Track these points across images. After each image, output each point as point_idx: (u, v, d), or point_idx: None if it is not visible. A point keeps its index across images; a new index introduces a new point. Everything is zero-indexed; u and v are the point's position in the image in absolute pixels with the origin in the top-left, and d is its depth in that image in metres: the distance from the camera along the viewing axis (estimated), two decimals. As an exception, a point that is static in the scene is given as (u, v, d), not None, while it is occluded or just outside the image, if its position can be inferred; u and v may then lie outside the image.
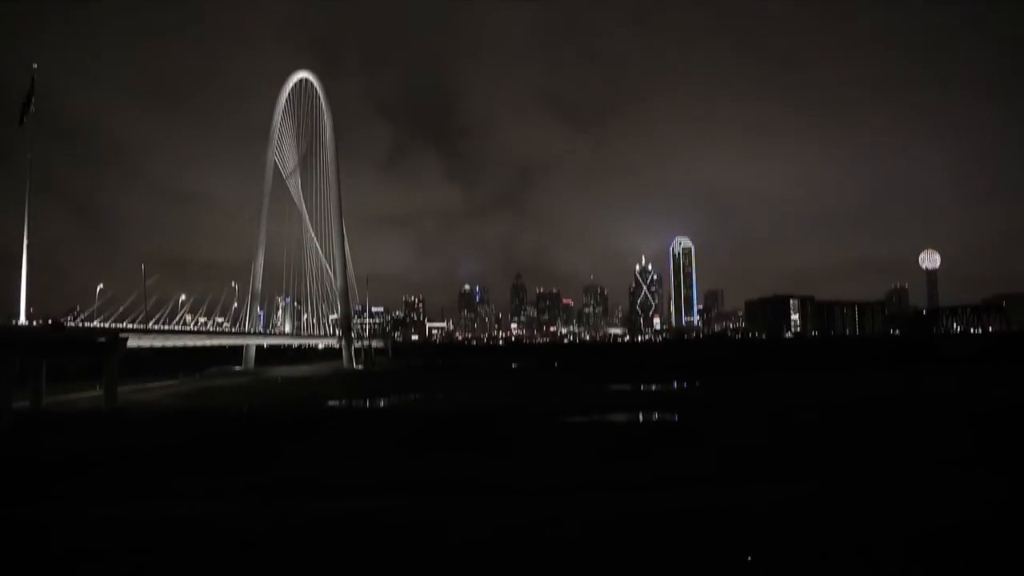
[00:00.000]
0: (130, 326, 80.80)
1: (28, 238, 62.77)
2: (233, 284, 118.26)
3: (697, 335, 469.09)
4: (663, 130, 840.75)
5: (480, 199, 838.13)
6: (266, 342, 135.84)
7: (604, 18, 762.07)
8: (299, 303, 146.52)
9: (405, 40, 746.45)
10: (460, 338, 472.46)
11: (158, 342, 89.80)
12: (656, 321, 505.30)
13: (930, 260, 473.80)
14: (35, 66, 65.37)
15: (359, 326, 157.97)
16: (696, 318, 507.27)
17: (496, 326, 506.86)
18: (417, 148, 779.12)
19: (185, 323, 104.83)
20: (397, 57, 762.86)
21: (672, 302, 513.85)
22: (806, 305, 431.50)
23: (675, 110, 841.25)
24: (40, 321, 67.83)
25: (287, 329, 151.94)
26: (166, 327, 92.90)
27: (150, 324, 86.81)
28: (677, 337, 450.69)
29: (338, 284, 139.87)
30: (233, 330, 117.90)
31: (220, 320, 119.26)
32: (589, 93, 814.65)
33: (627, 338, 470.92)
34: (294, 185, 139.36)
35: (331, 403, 71.84)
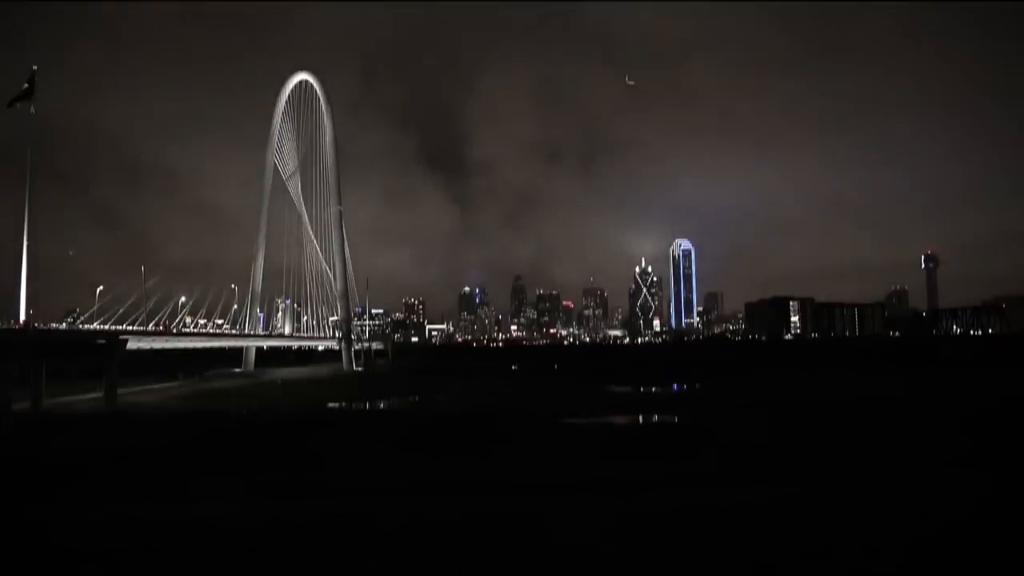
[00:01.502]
0: (130, 328, 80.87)
1: (28, 239, 62.90)
2: (233, 286, 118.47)
3: (697, 337, 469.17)
4: (663, 134, 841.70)
5: (482, 213, 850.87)
6: (266, 344, 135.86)
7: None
8: (299, 305, 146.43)
9: (420, 92, 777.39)
10: (460, 340, 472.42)
11: (158, 344, 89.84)
12: (656, 323, 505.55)
13: (930, 262, 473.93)
14: (35, 67, 65.47)
15: (359, 328, 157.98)
16: (696, 320, 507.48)
17: (496, 328, 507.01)
18: (422, 177, 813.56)
19: (185, 325, 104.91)
20: (410, 105, 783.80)
21: (672, 304, 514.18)
22: (806, 307, 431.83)
23: (675, 114, 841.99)
24: (38, 324, 67.87)
25: (287, 331, 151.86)
26: (166, 328, 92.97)
27: (150, 326, 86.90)
28: (677, 339, 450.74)
29: (338, 286, 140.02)
30: (233, 332, 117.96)
31: (220, 322, 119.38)
32: (588, 110, 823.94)
33: (627, 340, 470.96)
34: (294, 187, 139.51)
35: (331, 405, 71.85)
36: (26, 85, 63.09)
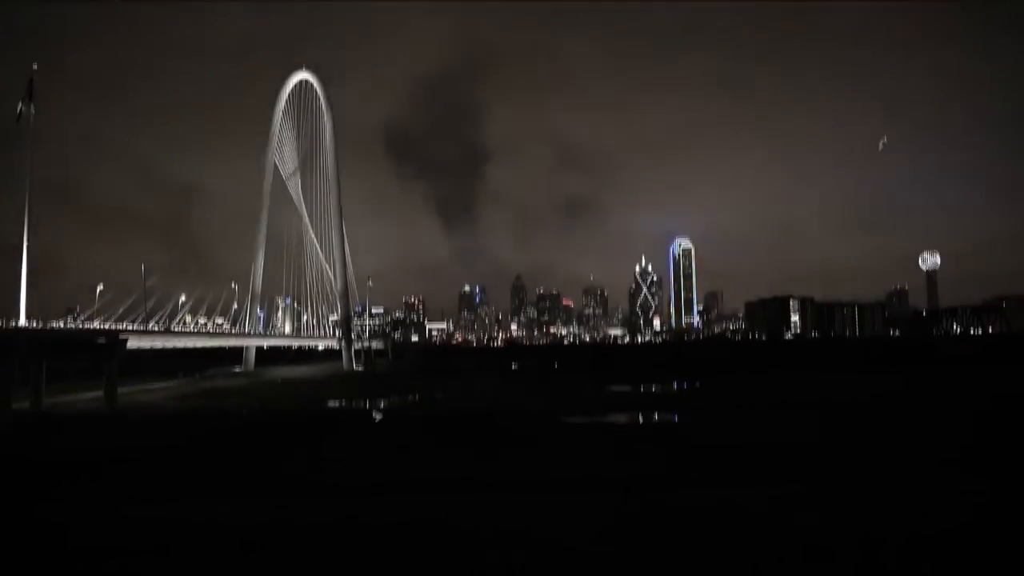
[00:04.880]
0: (130, 327, 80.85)
1: (28, 239, 62.89)
2: (233, 285, 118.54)
3: (697, 336, 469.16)
4: (663, 132, 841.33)
5: (484, 217, 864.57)
6: (266, 343, 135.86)
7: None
8: (299, 304, 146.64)
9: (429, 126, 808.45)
10: (460, 339, 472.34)
11: (158, 343, 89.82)
12: (656, 322, 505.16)
13: (930, 261, 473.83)
14: (35, 67, 65.45)
15: (359, 327, 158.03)
16: (696, 319, 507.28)
17: (496, 327, 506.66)
18: (426, 199, 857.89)
19: (185, 324, 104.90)
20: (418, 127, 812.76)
21: (672, 303, 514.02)
22: (806, 306, 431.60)
23: (675, 113, 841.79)
24: (38, 323, 67.81)
25: (287, 330, 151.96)
26: (166, 328, 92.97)
27: (150, 325, 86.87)
28: (677, 338, 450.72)
29: (338, 285, 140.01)
30: (233, 331, 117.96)
31: (220, 321, 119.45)
32: (594, 113, 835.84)
33: (627, 339, 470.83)
34: (294, 186, 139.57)
35: (331, 404, 71.85)
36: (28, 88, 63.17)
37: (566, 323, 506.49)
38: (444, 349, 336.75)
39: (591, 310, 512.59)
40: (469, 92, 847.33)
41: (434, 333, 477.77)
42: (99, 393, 67.80)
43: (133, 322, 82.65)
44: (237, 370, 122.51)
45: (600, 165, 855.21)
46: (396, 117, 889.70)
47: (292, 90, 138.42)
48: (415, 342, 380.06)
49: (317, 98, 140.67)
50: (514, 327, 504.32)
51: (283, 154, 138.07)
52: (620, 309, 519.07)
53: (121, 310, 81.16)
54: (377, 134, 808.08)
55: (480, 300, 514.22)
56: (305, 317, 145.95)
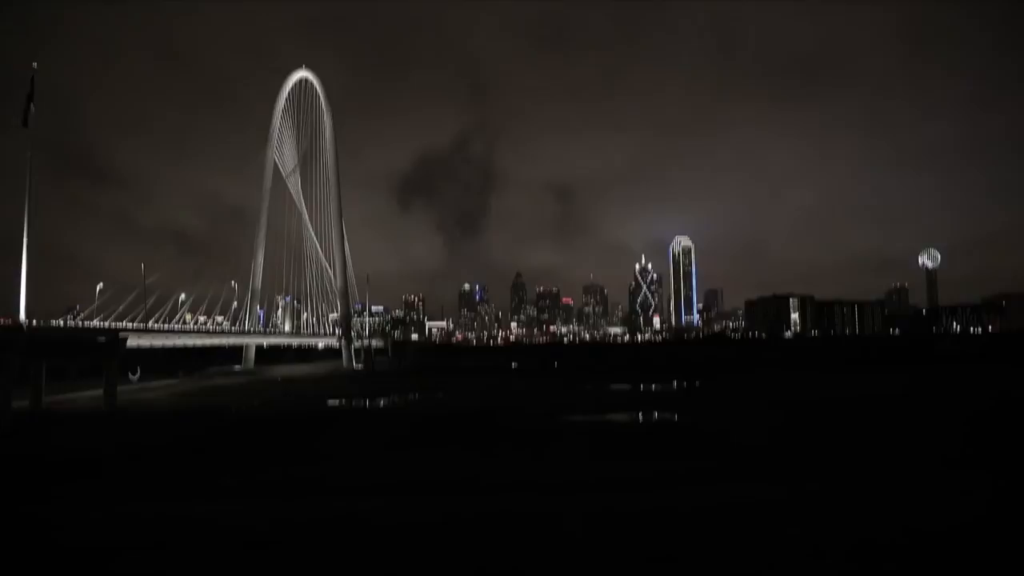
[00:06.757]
0: (130, 325, 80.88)
1: (28, 238, 62.80)
2: (233, 283, 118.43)
3: (697, 334, 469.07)
4: (663, 130, 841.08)
5: (485, 230, 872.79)
6: (266, 342, 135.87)
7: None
8: (299, 302, 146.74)
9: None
10: (460, 337, 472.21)
11: (158, 341, 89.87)
12: (656, 320, 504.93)
13: (930, 259, 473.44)
14: (35, 65, 65.35)
15: (359, 325, 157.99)
16: (696, 317, 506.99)
17: (496, 325, 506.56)
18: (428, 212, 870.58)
19: (185, 322, 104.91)
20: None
21: (672, 301, 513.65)
22: (806, 304, 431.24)
23: (674, 112, 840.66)
24: (38, 322, 67.78)
25: (287, 328, 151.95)
26: (166, 326, 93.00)
27: (150, 323, 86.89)
28: (677, 337, 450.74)
29: (338, 283, 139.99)
30: (233, 329, 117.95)
31: (220, 319, 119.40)
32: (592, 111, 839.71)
33: (627, 337, 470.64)
34: (294, 184, 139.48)
35: (331, 403, 71.84)
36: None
37: (566, 321, 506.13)
38: (444, 347, 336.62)
39: (591, 308, 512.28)
40: (472, 140, 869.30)
41: (434, 331, 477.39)
42: (99, 392, 67.82)
43: (133, 320, 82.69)
44: (237, 368, 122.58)
45: (599, 182, 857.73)
46: (401, 162, 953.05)
47: (292, 88, 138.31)
48: (415, 340, 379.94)
49: (317, 96, 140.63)
50: (514, 325, 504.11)
51: (283, 152, 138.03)
52: (620, 307, 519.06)
53: (120, 308, 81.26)
54: (381, 172, 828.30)
55: (480, 298, 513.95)
56: (305, 315, 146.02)
